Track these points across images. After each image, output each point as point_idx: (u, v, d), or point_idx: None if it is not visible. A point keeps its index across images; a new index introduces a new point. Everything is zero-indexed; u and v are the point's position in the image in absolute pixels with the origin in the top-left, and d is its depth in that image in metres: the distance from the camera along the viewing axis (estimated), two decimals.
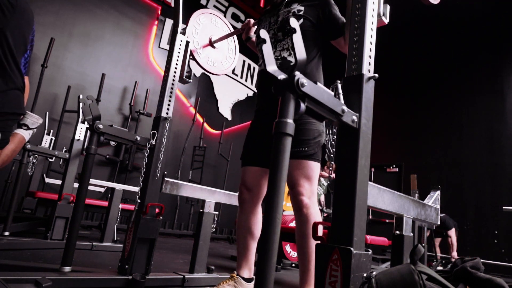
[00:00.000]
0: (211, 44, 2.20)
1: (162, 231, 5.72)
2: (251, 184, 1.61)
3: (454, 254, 5.33)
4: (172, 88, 1.91)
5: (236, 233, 1.70)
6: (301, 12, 1.57)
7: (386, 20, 1.10)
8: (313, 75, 1.57)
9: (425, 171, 6.67)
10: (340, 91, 0.97)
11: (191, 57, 2.04)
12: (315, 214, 1.44)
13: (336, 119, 0.92)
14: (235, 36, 2.28)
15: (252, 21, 1.97)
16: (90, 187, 1.94)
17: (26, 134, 1.71)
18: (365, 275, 0.87)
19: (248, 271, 1.59)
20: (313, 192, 1.46)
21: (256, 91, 1.88)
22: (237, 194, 2.28)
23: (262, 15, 1.83)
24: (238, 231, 1.66)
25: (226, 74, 7.63)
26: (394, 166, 7.53)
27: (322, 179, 4.56)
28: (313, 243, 1.34)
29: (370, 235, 2.90)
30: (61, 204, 2.67)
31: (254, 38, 1.99)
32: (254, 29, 1.99)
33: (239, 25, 7.99)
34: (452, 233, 5.42)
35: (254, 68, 8.21)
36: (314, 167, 1.49)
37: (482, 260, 0.97)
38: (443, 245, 5.88)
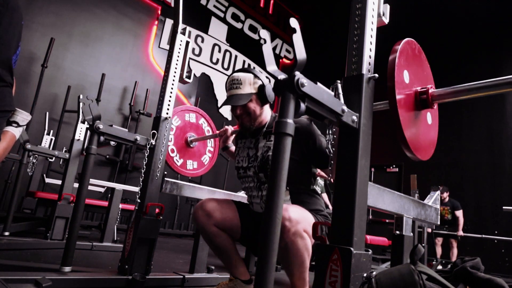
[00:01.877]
0: (187, 144, 2.16)
1: (162, 231, 5.72)
2: (217, 210, 1.50)
3: (460, 232, 5.60)
4: (172, 88, 1.91)
5: (213, 250, 1.58)
6: None
7: (386, 20, 1.10)
8: (312, 203, 1.47)
9: (425, 171, 6.67)
10: (340, 91, 0.97)
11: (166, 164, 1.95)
12: (300, 244, 1.19)
13: (336, 119, 0.92)
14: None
15: (230, 130, 1.87)
16: (90, 187, 1.94)
17: (16, 132, 1.69)
18: (365, 275, 0.87)
19: (244, 274, 1.56)
20: (299, 221, 1.20)
21: None
22: (237, 194, 2.29)
23: (239, 134, 1.71)
24: (210, 247, 1.57)
25: (226, 74, 7.63)
26: (394, 166, 7.53)
27: (318, 178, 4.56)
28: (302, 268, 1.21)
29: (370, 235, 2.90)
30: (61, 204, 2.67)
31: (232, 148, 1.88)
32: (232, 138, 1.89)
33: (239, 25, 7.99)
34: (460, 213, 5.72)
35: (254, 68, 8.20)
36: (307, 213, 1.33)
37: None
38: (445, 246, 5.90)
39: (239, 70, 1.54)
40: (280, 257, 1.23)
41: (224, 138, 1.89)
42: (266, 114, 1.56)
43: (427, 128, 1.18)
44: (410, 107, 1.07)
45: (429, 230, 5.43)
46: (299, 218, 1.21)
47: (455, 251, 5.69)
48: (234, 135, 1.86)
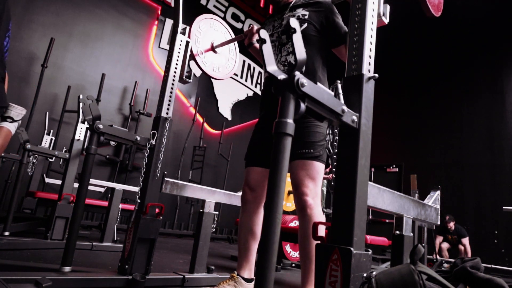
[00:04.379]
0: (213, 49, 2.20)
1: (162, 231, 5.72)
2: (255, 184, 1.62)
3: None
4: (172, 88, 1.91)
5: (237, 233, 1.69)
6: (306, 17, 1.59)
7: (386, 20, 1.10)
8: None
9: (425, 171, 6.67)
10: (340, 91, 0.97)
11: (195, 63, 2.04)
12: (319, 215, 1.43)
13: (336, 119, 0.92)
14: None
15: (255, 27, 1.96)
16: (90, 187, 1.94)
17: (12, 127, 1.68)
18: (365, 275, 0.87)
19: (249, 271, 1.58)
20: (317, 193, 1.45)
21: (260, 93, 1.85)
22: (237, 194, 2.29)
23: (266, 20, 1.84)
24: (240, 231, 1.65)
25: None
26: (394, 166, 7.53)
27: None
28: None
29: (370, 235, 2.90)
30: (61, 204, 2.67)
31: (256, 44, 1.98)
32: (257, 35, 1.97)
33: (239, 25, 7.99)
34: (467, 241, 5.75)
35: (254, 68, 8.21)
36: (319, 168, 1.49)
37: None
38: (454, 251, 5.93)
39: None
40: (301, 234, 1.44)
41: (250, 35, 1.97)
42: None
43: None
44: None
45: (438, 257, 5.49)
46: (316, 191, 1.44)
47: (468, 250, 5.73)
48: (257, 35, 1.94)
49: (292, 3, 1.71)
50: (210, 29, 2.22)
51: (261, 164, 1.62)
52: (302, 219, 1.43)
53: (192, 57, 2.03)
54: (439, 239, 6.02)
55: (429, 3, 1.15)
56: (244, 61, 8.03)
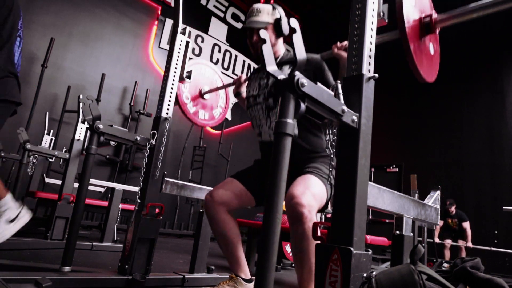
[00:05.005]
0: (201, 95, 2.21)
1: (162, 231, 5.72)
2: (228, 191, 1.54)
3: (469, 244, 5.70)
4: (172, 88, 1.91)
5: (216, 242, 1.61)
6: None
7: (386, 20, 1.10)
8: (316, 145, 1.53)
9: (425, 171, 6.67)
10: (340, 91, 0.97)
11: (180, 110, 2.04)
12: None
13: (336, 119, 0.92)
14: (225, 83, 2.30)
15: (243, 76, 1.95)
16: (90, 187, 1.94)
17: None
18: (365, 275, 0.87)
19: (245, 272, 1.57)
20: (315, 207, 1.24)
21: None
22: None
23: (252, 74, 1.81)
24: (217, 239, 1.58)
25: (226, 74, 7.63)
26: (394, 166, 7.53)
27: None
28: (313, 257, 1.20)
29: (370, 235, 2.89)
30: (61, 204, 2.67)
31: (244, 94, 1.94)
32: (245, 85, 1.95)
33: (239, 25, 7.99)
34: (467, 225, 5.82)
35: (254, 68, 8.20)
36: (320, 185, 1.33)
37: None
38: (453, 249, 5.94)
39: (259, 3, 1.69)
40: (294, 246, 1.26)
41: (238, 84, 1.97)
42: (280, 47, 1.68)
43: (429, 54, 1.26)
44: (416, 32, 1.15)
45: (437, 240, 5.60)
46: (314, 204, 1.24)
47: (463, 254, 5.75)
48: (246, 82, 1.93)
49: (279, 59, 1.65)
50: (199, 75, 2.23)
51: (245, 184, 1.56)
52: (294, 232, 1.21)
53: (178, 102, 2.03)
54: (439, 223, 6.02)
55: (420, 70, 1.14)
56: (244, 61, 8.03)
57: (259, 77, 1.70)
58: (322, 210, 1.38)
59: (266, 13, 1.61)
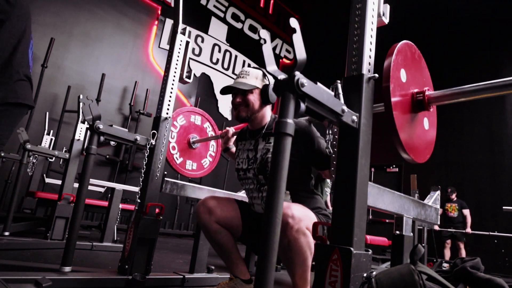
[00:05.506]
0: (189, 145, 2.19)
1: (162, 231, 5.72)
2: (218, 207, 1.51)
3: (468, 230, 5.79)
4: (172, 88, 1.91)
5: (212, 246, 1.60)
6: None
7: (386, 20, 1.10)
8: (312, 202, 1.47)
9: (425, 171, 6.66)
10: (340, 91, 0.97)
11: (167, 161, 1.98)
12: (303, 242, 1.17)
13: (336, 119, 0.92)
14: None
15: (231, 131, 1.88)
16: (90, 187, 1.94)
17: None
18: (365, 275, 0.87)
19: (244, 273, 1.56)
20: (304, 220, 1.19)
21: None
22: (237, 194, 2.29)
23: (239, 136, 1.73)
24: (211, 244, 1.57)
25: (226, 74, 7.63)
26: (394, 166, 7.53)
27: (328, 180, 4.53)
28: (304, 267, 1.20)
29: (370, 235, 2.89)
30: (61, 204, 2.67)
31: (233, 149, 1.89)
32: (233, 139, 1.90)
33: (239, 25, 7.99)
34: (468, 212, 5.93)
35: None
36: (306, 209, 1.30)
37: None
38: (452, 249, 5.94)
39: (250, 67, 1.60)
40: (282, 255, 1.23)
41: (226, 139, 1.89)
42: (266, 115, 1.56)
43: (423, 131, 1.17)
44: (406, 109, 1.07)
45: (436, 227, 5.63)
46: (301, 216, 1.20)
47: (463, 252, 5.75)
48: (235, 137, 1.86)
49: (265, 127, 1.54)
50: (188, 122, 2.19)
51: (242, 213, 1.54)
52: (281, 243, 1.16)
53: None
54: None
55: (409, 152, 1.05)
56: (244, 61, 8.03)
57: (246, 148, 1.61)
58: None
59: (255, 78, 1.51)
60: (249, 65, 7.96)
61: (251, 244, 1.60)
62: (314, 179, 1.55)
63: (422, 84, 1.17)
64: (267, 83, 1.51)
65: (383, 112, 1.02)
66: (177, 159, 2.12)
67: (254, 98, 1.50)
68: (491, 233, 5.27)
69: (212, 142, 2.36)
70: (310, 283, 1.24)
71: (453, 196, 5.99)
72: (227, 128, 1.91)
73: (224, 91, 1.54)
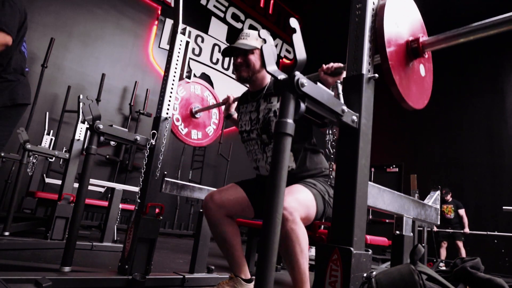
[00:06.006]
0: (192, 115, 2.20)
1: (162, 231, 5.72)
2: (229, 198, 1.53)
3: (466, 230, 5.80)
4: (172, 88, 1.91)
5: (217, 242, 1.60)
6: None
7: None
8: (317, 163, 1.50)
9: (425, 171, 6.67)
10: (340, 91, 0.97)
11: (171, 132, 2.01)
12: (299, 232, 1.21)
13: (336, 119, 0.92)
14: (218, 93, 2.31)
15: (232, 97, 1.92)
16: (90, 187, 1.94)
17: None
18: (365, 275, 0.87)
19: (244, 272, 1.57)
20: (298, 210, 1.24)
21: None
22: None
23: (240, 100, 1.76)
24: (216, 241, 1.58)
25: (226, 74, 7.63)
26: (394, 166, 7.53)
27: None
28: (301, 257, 1.21)
29: (370, 235, 2.89)
30: (61, 204, 2.67)
31: (235, 116, 1.92)
32: (234, 105, 1.94)
33: (239, 25, 7.99)
34: (463, 212, 5.95)
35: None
36: (306, 193, 1.33)
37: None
38: (451, 248, 5.95)
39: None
40: (280, 248, 1.24)
41: (227, 106, 1.94)
42: (267, 76, 1.61)
43: (420, 78, 1.18)
44: (401, 57, 1.07)
45: (435, 228, 5.62)
46: (295, 206, 1.23)
47: (463, 252, 5.76)
48: (236, 103, 1.90)
49: (265, 88, 1.58)
50: (189, 93, 2.21)
51: (248, 193, 1.55)
52: (280, 235, 1.26)
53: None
54: None
55: (408, 100, 1.06)
56: None
57: (248, 110, 1.64)
58: (316, 218, 1.35)
59: (255, 39, 1.55)
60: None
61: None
62: None
63: (417, 32, 1.17)
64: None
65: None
66: (182, 130, 2.14)
67: (255, 59, 1.55)
68: (489, 232, 5.27)
69: (215, 110, 2.37)
70: (310, 283, 1.25)
71: (449, 197, 5.99)
72: (228, 95, 1.96)
73: (225, 52, 1.60)
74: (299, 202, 1.27)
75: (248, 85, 1.66)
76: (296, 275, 1.24)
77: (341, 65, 1.37)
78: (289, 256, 1.23)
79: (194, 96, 2.25)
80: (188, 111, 2.19)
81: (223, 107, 2.09)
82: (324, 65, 1.45)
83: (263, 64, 1.52)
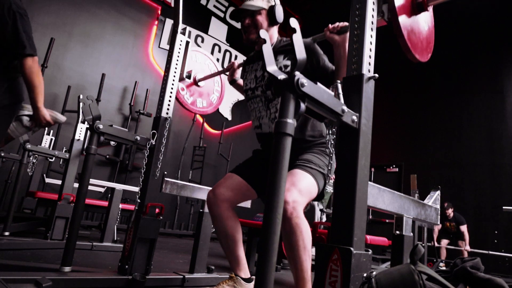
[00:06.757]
0: (195, 83, 2.21)
1: (162, 231, 5.72)
2: (227, 188, 1.54)
3: (468, 247, 5.67)
4: (172, 88, 1.91)
5: (217, 239, 1.61)
6: (288, 69, 1.52)
7: (386, 20, 1.10)
8: (313, 129, 1.53)
9: (425, 171, 6.67)
10: (340, 91, 0.97)
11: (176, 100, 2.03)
12: (302, 225, 1.25)
13: (336, 119, 0.92)
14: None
15: (236, 63, 1.95)
16: (90, 187, 1.94)
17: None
18: (365, 275, 0.87)
19: (244, 271, 1.57)
20: (300, 202, 1.28)
21: None
22: None
23: (247, 62, 1.77)
24: (218, 237, 1.58)
25: (226, 75, 7.64)
26: (394, 166, 7.53)
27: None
28: (304, 254, 1.24)
29: (370, 235, 2.89)
30: (61, 204, 2.67)
31: (240, 81, 1.94)
32: (239, 71, 1.95)
33: (239, 25, 7.99)
34: (465, 228, 5.81)
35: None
36: (309, 182, 1.36)
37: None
38: (452, 242, 5.96)
39: None
40: (284, 241, 1.29)
41: (232, 71, 1.97)
42: (274, 35, 1.64)
43: (424, 30, 1.25)
44: (407, 10, 1.14)
45: (437, 244, 5.61)
46: (299, 199, 1.27)
47: (468, 247, 5.76)
48: (240, 68, 1.92)
49: (272, 46, 1.61)
50: (191, 62, 2.22)
51: (245, 178, 1.56)
52: (283, 229, 1.26)
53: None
54: (437, 227, 6.03)
55: (414, 51, 1.12)
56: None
57: (253, 68, 1.67)
58: (316, 199, 1.43)
59: (261, 0, 1.60)
60: None
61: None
62: None
63: None
64: (273, 3, 1.61)
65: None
66: (188, 99, 2.16)
67: (262, 19, 1.59)
68: (491, 252, 5.21)
69: (217, 78, 2.38)
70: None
71: (450, 211, 5.90)
72: (233, 61, 2.00)
73: (233, 15, 1.65)
74: (302, 193, 1.30)
75: (255, 47, 1.71)
76: (298, 272, 1.26)
77: (346, 24, 1.40)
78: (292, 253, 1.26)
79: (196, 64, 2.26)
80: (192, 80, 2.20)
81: (224, 84, 2.14)
82: (330, 25, 1.48)
83: (270, 23, 1.61)
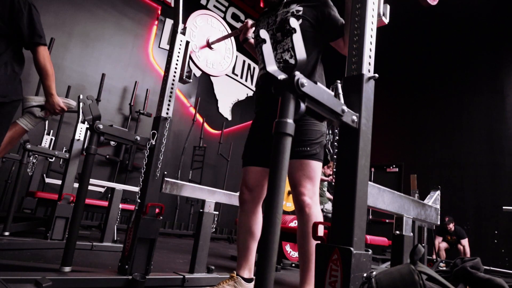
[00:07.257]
0: (208, 45, 2.21)
1: (162, 231, 5.72)
2: (253, 184, 1.62)
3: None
4: (172, 88, 1.91)
5: (236, 233, 1.70)
6: (300, 13, 1.57)
7: (386, 20, 1.10)
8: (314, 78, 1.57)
9: (425, 171, 6.67)
10: (340, 91, 0.97)
11: (189, 59, 2.05)
12: (317, 214, 1.44)
13: (336, 119, 0.92)
14: (232, 37, 2.31)
15: (250, 22, 1.97)
16: (90, 187, 1.94)
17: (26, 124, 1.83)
18: (365, 275, 0.87)
19: (248, 271, 1.58)
20: (315, 192, 1.47)
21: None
22: (237, 194, 2.29)
23: (260, 16, 1.82)
24: (239, 231, 1.65)
25: (226, 74, 7.63)
26: (394, 166, 7.53)
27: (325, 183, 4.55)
28: (314, 243, 1.32)
29: (370, 235, 2.89)
30: (61, 204, 2.67)
31: (251, 40, 1.99)
32: (252, 30, 1.98)
33: (239, 25, 7.99)
34: (466, 242, 5.82)
35: (254, 68, 8.20)
36: (316, 167, 1.49)
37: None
38: (452, 251, 5.96)
39: None
40: (299, 232, 1.46)
41: (245, 30, 1.99)
42: None
43: None
44: None
45: (437, 259, 5.55)
46: (313, 189, 1.46)
47: (468, 251, 5.76)
48: (253, 28, 1.94)
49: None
50: (206, 25, 2.24)
51: (260, 163, 1.62)
52: (301, 218, 1.45)
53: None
54: (438, 239, 6.05)
55: None
56: (244, 61, 8.03)
57: (267, 16, 1.73)
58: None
59: None
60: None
61: None
62: None
63: None
64: None
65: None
66: (199, 58, 2.18)
67: None
68: (492, 267, 5.18)
69: (228, 45, 2.39)
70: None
71: (451, 226, 5.90)
72: (247, 19, 2.01)
73: None
74: (314, 182, 1.47)
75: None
76: (308, 264, 1.38)
77: None
78: (304, 240, 1.40)
79: (210, 28, 2.27)
80: (205, 42, 2.21)
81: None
82: None
83: None
